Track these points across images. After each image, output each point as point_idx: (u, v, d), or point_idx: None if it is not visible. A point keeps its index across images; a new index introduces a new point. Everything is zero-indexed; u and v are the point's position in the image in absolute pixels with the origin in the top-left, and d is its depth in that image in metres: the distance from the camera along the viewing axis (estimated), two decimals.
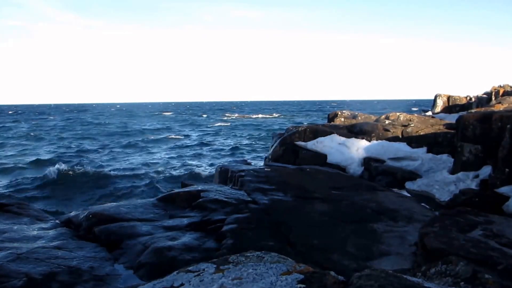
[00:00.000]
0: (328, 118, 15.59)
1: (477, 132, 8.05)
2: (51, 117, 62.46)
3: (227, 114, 61.18)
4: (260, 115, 56.70)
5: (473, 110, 14.30)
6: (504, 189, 6.62)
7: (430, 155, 9.89)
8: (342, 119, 14.51)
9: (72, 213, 5.82)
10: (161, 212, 5.61)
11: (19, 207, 5.81)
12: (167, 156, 20.83)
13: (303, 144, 11.16)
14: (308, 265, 1.76)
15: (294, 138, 11.46)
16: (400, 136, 11.14)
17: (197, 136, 30.94)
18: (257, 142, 26.21)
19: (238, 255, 1.91)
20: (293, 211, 5.52)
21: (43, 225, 5.24)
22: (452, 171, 8.58)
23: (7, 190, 12.78)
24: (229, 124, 43.05)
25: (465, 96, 20.84)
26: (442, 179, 8.41)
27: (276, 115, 56.41)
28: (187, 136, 30.84)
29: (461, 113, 12.19)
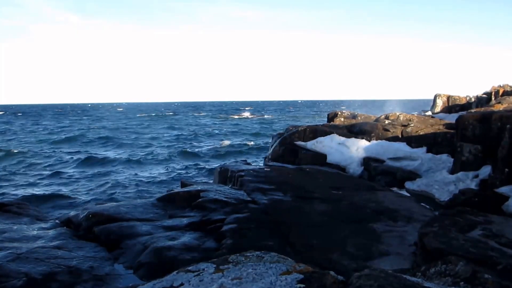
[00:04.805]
0: (328, 118, 15.55)
1: (477, 132, 8.05)
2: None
3: (244, 115, 60.40)
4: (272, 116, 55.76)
5: (472, 110, 14.31)
6: (503, 189, 6.62)
7: (430, 155, 9.88)
8: (342, 119, 14.48)
9: (72, 213, 5.82)
10: (160, 212, 5.61)
11: (19, 207, 5.81)
12: None
13: (303, 144, 11.15)
14: (308, 265, 1.76)
15: (294, 138, 11.45)
16: (400, 136, 11.13)
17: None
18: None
19: (237, 255, 1.91)
20: (292, 211, 5.52)
21: (43, 225, 5.25)
22: (452, 171, 8.58)
23: None
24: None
25: (465, 96, 20.83)
26: (441, 179, 8.41)
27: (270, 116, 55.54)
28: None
29: (460, 113, 12.18)
